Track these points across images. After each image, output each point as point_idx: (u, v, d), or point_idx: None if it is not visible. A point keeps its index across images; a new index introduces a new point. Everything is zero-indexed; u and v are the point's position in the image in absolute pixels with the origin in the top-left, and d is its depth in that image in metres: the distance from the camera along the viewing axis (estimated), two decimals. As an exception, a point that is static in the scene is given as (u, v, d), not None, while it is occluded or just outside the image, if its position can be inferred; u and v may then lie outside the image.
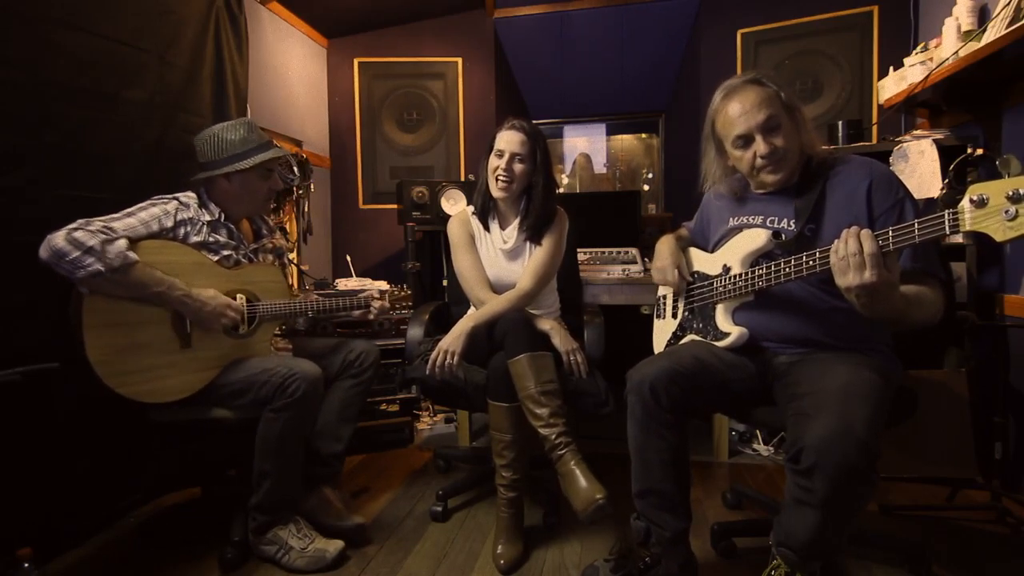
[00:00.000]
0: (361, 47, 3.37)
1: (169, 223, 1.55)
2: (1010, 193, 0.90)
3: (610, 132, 4.78)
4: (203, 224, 1.61)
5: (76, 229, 1.36)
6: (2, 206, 1.46)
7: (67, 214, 1.44)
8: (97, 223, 1.40)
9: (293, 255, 2.74)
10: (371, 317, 1.84)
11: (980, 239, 1.89)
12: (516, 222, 1.84)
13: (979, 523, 1.74)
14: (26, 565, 1.33)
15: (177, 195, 1.62)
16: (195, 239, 1.59)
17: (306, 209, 2.77)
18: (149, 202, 1.56)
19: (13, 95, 1.47)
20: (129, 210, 1.51)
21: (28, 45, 1.51)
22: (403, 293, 1.87)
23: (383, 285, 2.57)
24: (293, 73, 3.04)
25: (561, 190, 4.71)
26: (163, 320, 1.51)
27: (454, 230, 1.89)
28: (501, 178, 1.75)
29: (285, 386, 1.49)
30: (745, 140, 1.35)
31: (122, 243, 1.41)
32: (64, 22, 1.59)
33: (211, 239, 1.62)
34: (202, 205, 1.64)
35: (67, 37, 1.60)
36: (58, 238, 1.34)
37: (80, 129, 1.64)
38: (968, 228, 0.95)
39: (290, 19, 3.00)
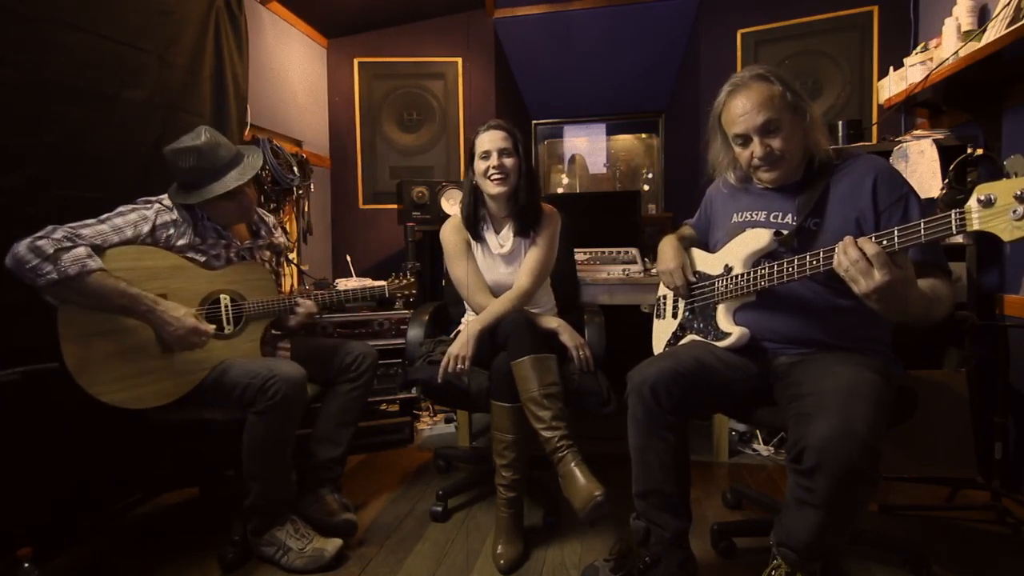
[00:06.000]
0: (361, 47, 3.37)
1: (146, 228, 1.51)
2: (1018, 193, 0.91)
3: (610, 132, 4.77)
4: (188, 225, 1.58)
5: (40, 237, 1.33)
6: (2, 206, 1.46)
7: (67, 214, 1.44)
8: (62, 231, 1.37)
9: (293, 255, 2.74)
10: (292, 324, 1.77)
11: (982, 239, 1.90)
12: (510, 223, 1.83)
13: (979, 523, 1.74)
14: (26, 565, 1.33)
15: (161, 197, 1.59)
16: (181, 242, 1.57)
17: (306, 209, 2.77)
18: (129, 207, 1.53)
19: (13, 95, 1.47)
20: (103, 216, 1.48)
21: (28, 45, 1.51)
22: (406, 281, 1.83)
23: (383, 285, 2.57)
24: (293, 73, 3.03)
25: (561, 190, 4.76)
26: (143, 326, 1.48)
27: (448, 237, 1.87)
28: (495, 176, 1.74)
29: (265, 388, 1.46)
30: (744, 139, 1.37)
31: (80, 251, 1.36)
32: (64, 22, 1.59)
33: (197, 240, 1.60)
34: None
35: (67, 37, 1.60)
36: (21, 246, 1.32)
37: (80, 129, 1.64)
38: (976, 228, 0.95)
39: (290, 19, 3.00)
